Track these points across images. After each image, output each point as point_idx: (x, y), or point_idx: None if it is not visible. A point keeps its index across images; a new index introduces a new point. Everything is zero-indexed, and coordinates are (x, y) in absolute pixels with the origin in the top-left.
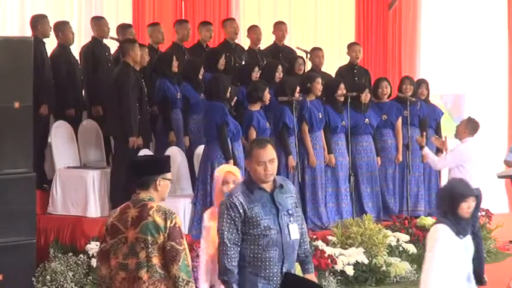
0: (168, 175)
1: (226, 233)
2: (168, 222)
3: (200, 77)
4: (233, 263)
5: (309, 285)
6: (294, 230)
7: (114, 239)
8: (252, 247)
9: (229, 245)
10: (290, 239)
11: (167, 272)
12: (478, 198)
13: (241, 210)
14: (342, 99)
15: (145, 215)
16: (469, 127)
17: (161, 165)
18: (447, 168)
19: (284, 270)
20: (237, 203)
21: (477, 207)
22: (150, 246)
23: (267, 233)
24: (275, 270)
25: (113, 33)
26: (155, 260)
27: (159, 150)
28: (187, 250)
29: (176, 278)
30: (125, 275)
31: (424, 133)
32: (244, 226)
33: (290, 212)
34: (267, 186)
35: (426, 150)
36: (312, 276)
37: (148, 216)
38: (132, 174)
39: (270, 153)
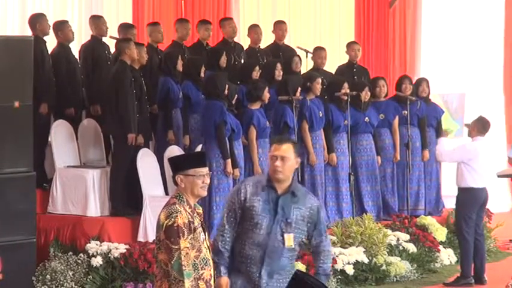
0: (191, 171)
1: (226, 214)
2: (167, 221)
3: (202, 75)
4: (226, 246)
5: (316, 285)
6: (289, 239)
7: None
8: (240, 241)
9: (226, 226)
10: (284, 246)
11: None
12: (485, 198)
13: (242, 198)
14: (345, 98)
15: (161, 212)
16: (478, 126)
17: (176, 162)
18: (453, 163)
19: (263, 272)
20: (242, 190)
21: (483, 207)
22: (158, 242)
23: (255, 231)
24: (254, 270)
25: (114, 32)
26: (161, 256)
27: (159, 149)
28: (187, 250)
29: (170, 275)
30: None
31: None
32: (241, 216)
33: (289, 221)
34: (279, 188)
35: (443, 139)
36: None
37: (160, 213)
38: None
39: (284, 149)
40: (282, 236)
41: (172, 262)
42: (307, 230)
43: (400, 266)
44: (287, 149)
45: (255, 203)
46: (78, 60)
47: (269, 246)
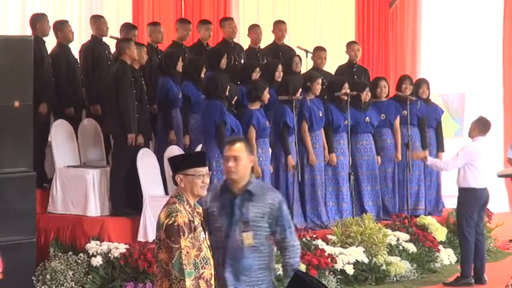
0: (190, 171)
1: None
2: (167, 220)
3: (202, 75)
4: None
5: (316, 285)
6: (248, 238)
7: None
8: (211, 248)
9: None
10: (243, 245)
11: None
12: (486, 197)
13: (205, 207)
14: (345, 98)
15: (161, 211)
16: (479, 126)
17: (176, 162)
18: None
19: (226, 275)
20: (204, 199)
21: (483, 208)
22: (158, 242)
23: (217, 235)
24: (219, 273)
25: (115, 31)
26: (161, 256)
27: (160, 149)
28: (187, 249)
29: (170, 275)
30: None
31: (426, 147)
32: (208, 224)
33: (245, 220)
34: (236, 188)
35: (431, 160)
36: None
37: (160, 213)
38: None
39: (236, 149)
40: (242, 236)
41: (173, 261)
42: (268, 227)
43: (400, 266)
44: (239, 149)
45: (214, 208)
46: (78, 60)
47: (229, 248)
